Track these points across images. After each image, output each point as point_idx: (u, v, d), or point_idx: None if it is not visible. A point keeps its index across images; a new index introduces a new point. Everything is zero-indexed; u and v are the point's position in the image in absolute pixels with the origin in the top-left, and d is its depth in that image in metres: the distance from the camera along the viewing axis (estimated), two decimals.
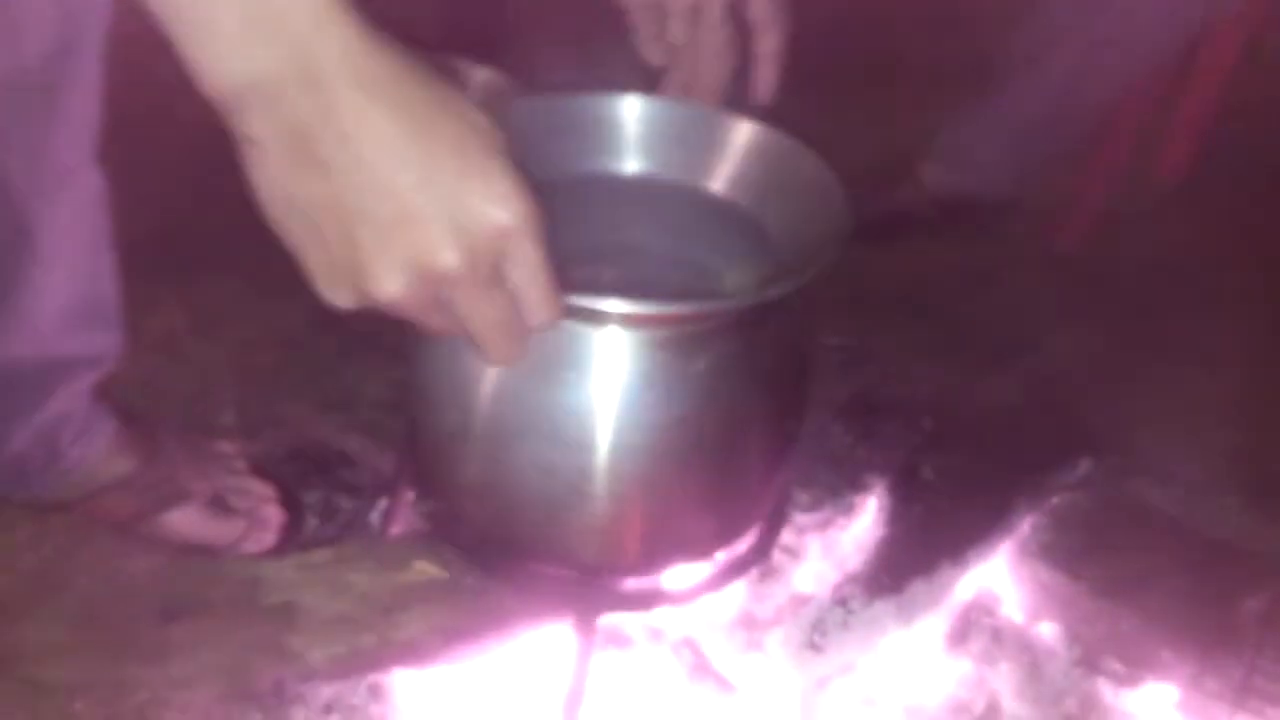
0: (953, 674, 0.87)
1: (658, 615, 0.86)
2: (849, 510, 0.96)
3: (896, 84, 1.66)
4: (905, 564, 0.84)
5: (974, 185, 1.46)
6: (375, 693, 0.84)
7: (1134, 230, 1.55)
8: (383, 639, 0.79)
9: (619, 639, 0.85)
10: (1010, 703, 0.86)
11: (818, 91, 1.55)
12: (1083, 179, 1.53)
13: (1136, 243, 1.54)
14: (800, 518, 1.00)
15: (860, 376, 1.26)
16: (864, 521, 0.94)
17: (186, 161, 1.08)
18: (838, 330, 1.40)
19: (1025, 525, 0.95)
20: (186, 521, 0.88)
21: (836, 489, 1.01)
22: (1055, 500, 1.00)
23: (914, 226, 1.51)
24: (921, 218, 1.50)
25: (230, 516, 0.89)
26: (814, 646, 0.78)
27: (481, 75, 1.29)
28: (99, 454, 0.85)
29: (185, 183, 1.17)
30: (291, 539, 0.93)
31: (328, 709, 0.83)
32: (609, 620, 0.83)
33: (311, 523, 0.98)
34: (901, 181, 1.51)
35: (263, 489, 0.93)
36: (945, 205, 1.49)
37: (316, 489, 1.01)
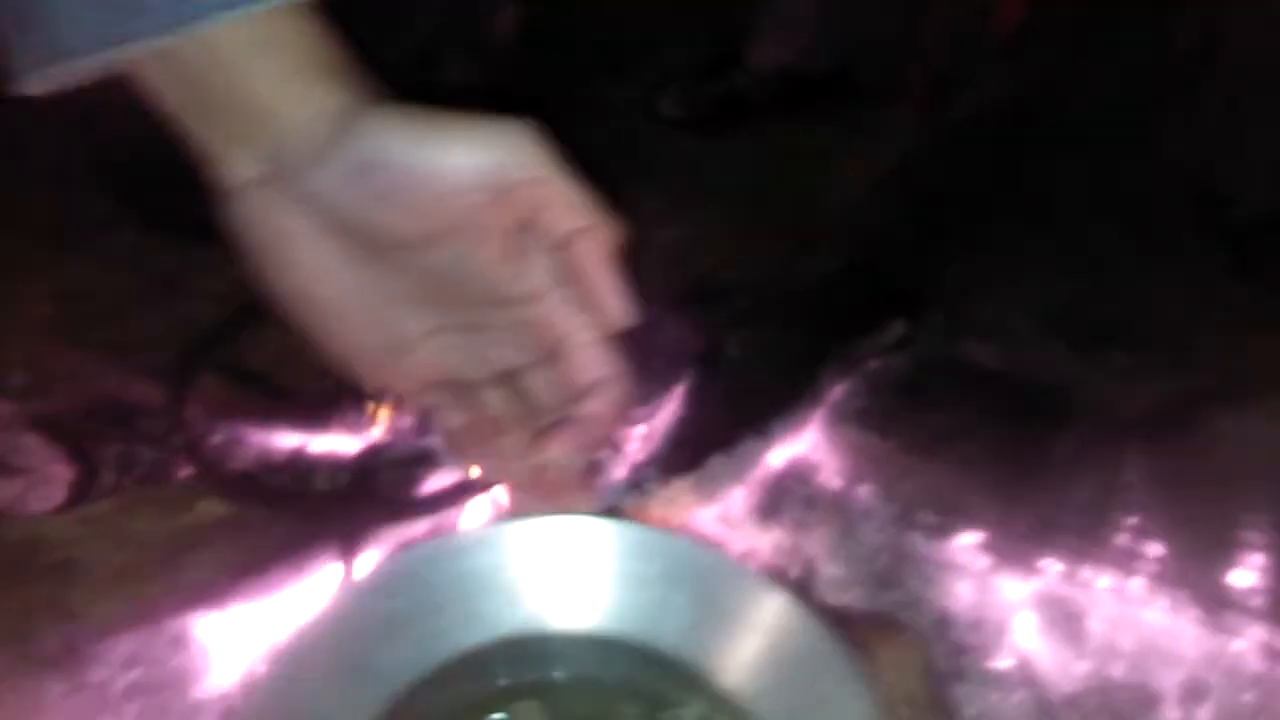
0: (767, 543, 0.86)
1: (459, 520, 0.84)
2: (660, 399, 0.95)
3: None
4: (704, 441, 0.83)
5: (799, 58, 1.44)
6: (178, 642, 0.82)
7: (966, 90, 1.54)
8: (169, 585, 0.76)
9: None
10: (825, 565, 0.86)
11: None
12: (914, 44, 1.51)
13: (968, 103, 1.53)
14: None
15: (694, 266, 1.24)
16: (669, 406, 0.93)
17: None
18: (674, 223, 1.38)
19: (838, 392, 0.95)
20: None
21: (665, 380, 1.00)
22: (871, 365, 0.99)
23: (749, 112, 1.49)
24: (755, 102, 1.48)
25: (9, 477, 0.86)
26: None
27: None
28: None
29: None
30: (84, 495, 0.89)
31: (129, 663, 0.80)
32: (394, 532, 0.81)
33: (109, 477, 0.94)
34: (732, 69, 1.48)
35: (45, 446, 0.89)
36: (776, 84, 1.47)
37: (114, 442, 0.97)
